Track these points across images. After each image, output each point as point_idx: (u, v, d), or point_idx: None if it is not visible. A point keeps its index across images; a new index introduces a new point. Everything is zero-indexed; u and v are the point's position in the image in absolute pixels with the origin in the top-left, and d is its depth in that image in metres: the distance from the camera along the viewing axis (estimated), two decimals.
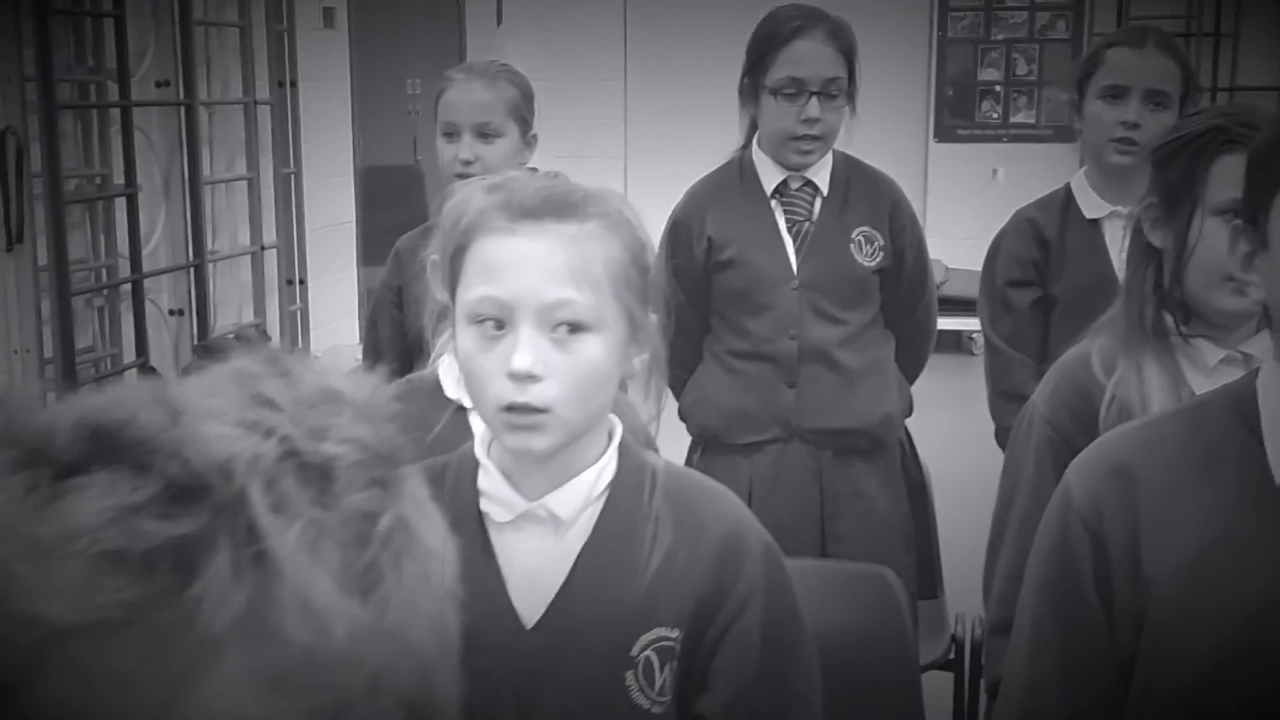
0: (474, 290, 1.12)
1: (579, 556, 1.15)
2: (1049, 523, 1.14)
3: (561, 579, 1.14)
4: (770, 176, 2.40)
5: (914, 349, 2.54)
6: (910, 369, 2.53)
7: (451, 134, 2.32)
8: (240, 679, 0.42)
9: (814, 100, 2.30)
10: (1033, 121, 7.40)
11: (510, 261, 1.11)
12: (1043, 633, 1.13)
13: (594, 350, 1.12)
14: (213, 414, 0.44)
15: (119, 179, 4.66)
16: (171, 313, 5.16)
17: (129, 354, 4.88)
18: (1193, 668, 1.03)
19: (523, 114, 2.32)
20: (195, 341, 5.25)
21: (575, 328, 1.11)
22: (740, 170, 2.44)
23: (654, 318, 1.18)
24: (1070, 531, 1.10)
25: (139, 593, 0.41)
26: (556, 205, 1.12)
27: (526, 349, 1.09)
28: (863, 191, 2.42)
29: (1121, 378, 1.48)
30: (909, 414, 2.54)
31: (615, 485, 1.18)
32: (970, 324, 6.95)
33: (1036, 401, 1.63)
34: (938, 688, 2.44)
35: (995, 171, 7.04)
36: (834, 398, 2.36)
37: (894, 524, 2.45)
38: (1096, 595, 1.08)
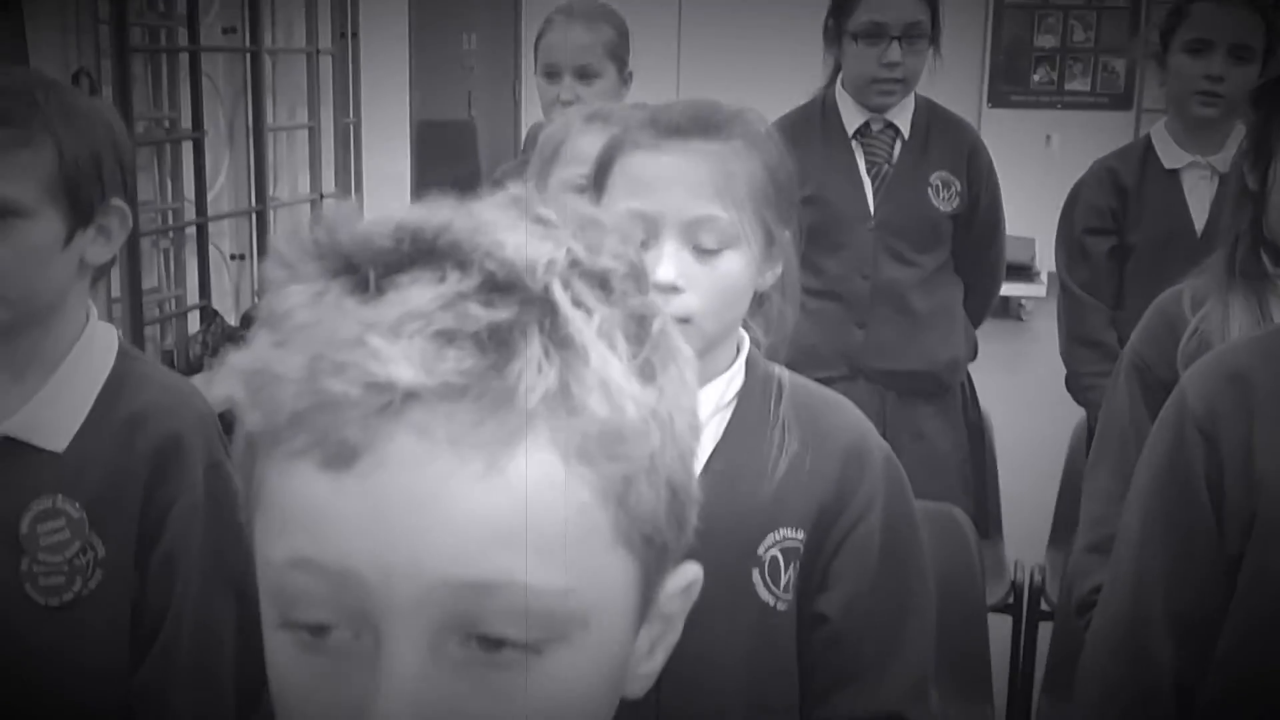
0: (619, 204, 1.15)
1: (709, 460, 1.18)
2: (1162, 427, 1.18)
3: None
4: (852, 117, 2.44)
5: (981, 294, 2.58)
6: (976, 314, 2.58)
7: (552, 75, 2.37)
8: (552, 447, 0.47)
9: (895, 44, 2.33)
10: (1088, 89, 7.36)
11: (656, 177, 1.13)
12: (1152, 533, 1.17)
13: (734, 265, 1.14)
14: (508, 226, 0.49)
15: (186, 123, 4.73)
16: (233, 257, 5.25)
17: (192, 296, 4.97)
18: None
19: (620, 53, 2.37)
20: (255, 286, 5.34)
21: (719, 242, 1.13)
22: (822, 110, 2.48)
23: (788, 233, 1.22)
24: (1184, 435, 1.14)
25: (473, 364, 0.46)
26: (702, 123, 1.15)
27: (670, 262, 1.10)
28: (943, 136, 2.46)
29: (1208, 313, 1.54)
30: (973, 358, 2.58)
31: (743, 394, 1.21)
32: (1020, 290, 6.94)
33: (1131, 336, 1.71)
34: (996, 631, 2.48)
35: (1049, 138, 7.01)
36: (902, 339, 2.41)
37: (953, 466, 2.50)
38: (1208, 496, 1.11)
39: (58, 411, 1.21)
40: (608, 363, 0.49)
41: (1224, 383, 1.13)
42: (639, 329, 0.51)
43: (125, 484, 1.20)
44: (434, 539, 0.47)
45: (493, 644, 0.48)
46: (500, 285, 0.48)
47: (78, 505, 1.19)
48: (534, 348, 0.47)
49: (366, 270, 0.48)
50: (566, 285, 0.49)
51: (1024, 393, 2.84)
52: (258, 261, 5.24)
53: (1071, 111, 7.25)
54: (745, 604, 1.16)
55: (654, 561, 0.53)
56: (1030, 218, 5.05)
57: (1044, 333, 5.86)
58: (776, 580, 1.17)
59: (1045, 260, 6.01)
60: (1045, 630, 2.38)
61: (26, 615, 1.17)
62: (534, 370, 0.47)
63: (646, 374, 0.50)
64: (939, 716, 1.37)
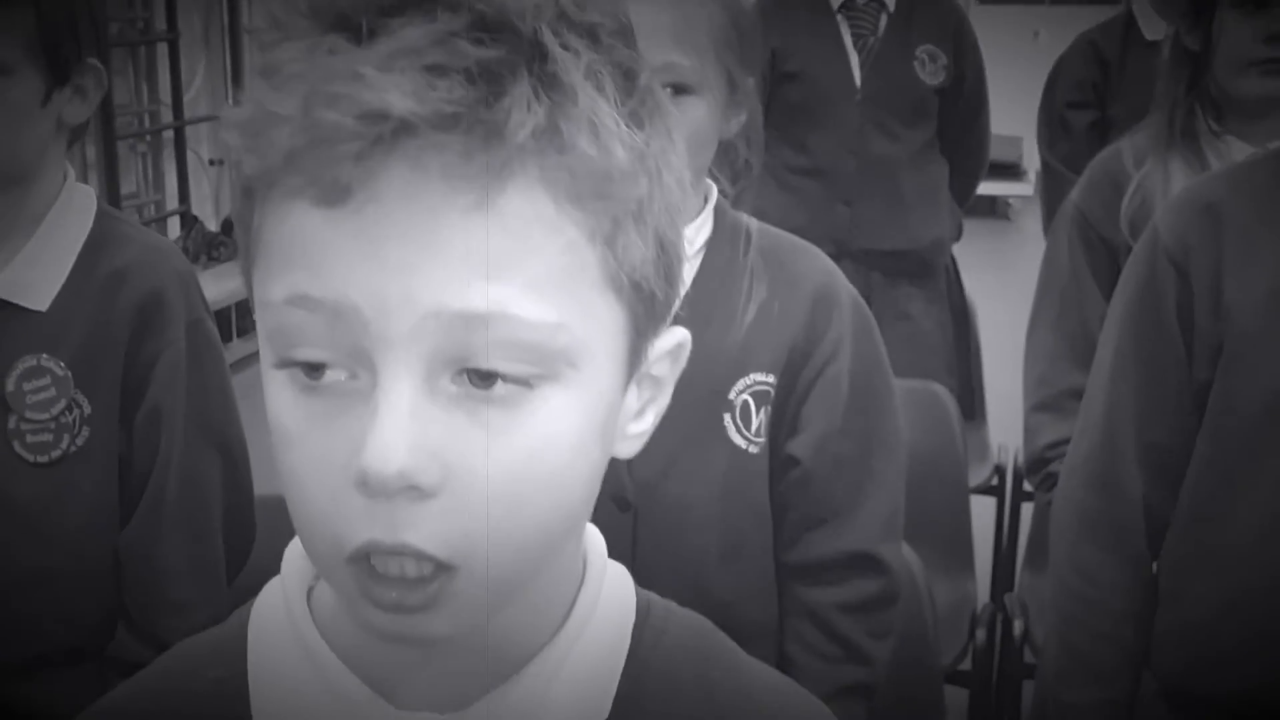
0: None
1: (680, 309, 1.19)
2: (1135, 261, 1.19)
3: None
4: None
5: (966, 174, 2.58)
6: (961, 194, 2.57)
7: None
8: (541, 184, 0.48)
9: None
10: None
11: None
12: (1124, 364, 1.18)
13: (697, 112, 1.13)
14: None
15: (161, 24, 4.65)
16: (211, 162, 5.20)
17: (171, 202, 4.93)
18: (1265, 395, 1.09)
19: None
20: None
21: (679, 90, 1.12)
22: None
23: (751, 81, 1.21)
24: (1156, 267, 1.15)
25: (463, 95, 0.46)
26: None
27: None
28: (928, 9, 2.44)
29: (1149, 172, 1.56)
30: (958, 239, 2.58)
31: (712, 242, 1.21)
32: (1006, 189, 6.93)
33: (1072, 192, 1.72)
34: (980, 510, 2.52)
35: (1037, 34, 6.94)
36: (887, 218, 2.41)
37: (937, 346, 2.52)
38: (1178, 325, 1.13)
39: (39, 271, 1.21)
40: (596, 103, 0.49)
41: (1195, 214, 1.14)
42: (626, 80, 0.52)
43: (108, 341, 1.21)
44: (426, 271, 0.48)
45: (485, 377, 0.49)
46: (490, 25, 0.48)
47: (62, 363, 1.19)
48: (523, 85, 0.48)
49: (359, 19, 0.48)
50: (556, 31, 0.50)
51: (1011, 290, 2.85)
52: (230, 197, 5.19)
53: (1060, 6, 7.17)
54: (718, 447, 1.18)
55: (643, 312, 0.54)
56: (1018, 115, 5.02)
57: (1031, 231, 5.86)
58: (748, 424, 1.19)
59: (1032, 159, 5.98)
60: (1028, 511, 2.41)
61: (15, 473, 1.18)
62: (523, 107, 0.47)
63: (634, 122, 0.51)
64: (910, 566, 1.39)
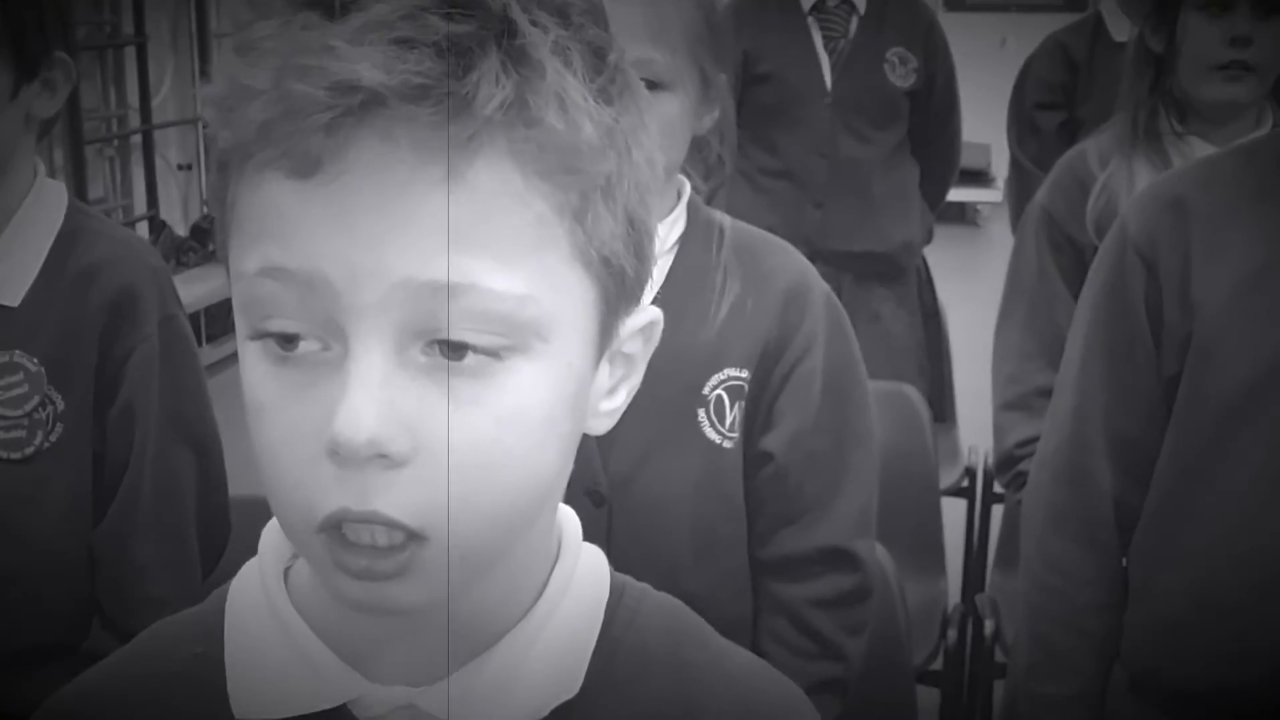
0: None
1: (652, 303, 1.19)
2: (1103, 256, 1.20)
3: None
4: None
5: (937, 177, 2.60)
6: (933, 197, 2.60)
7: None
8: (510, 157, 0.49)
9: None
10: None
11: None
12: (1093, 358, 1.20)
13: (670, 107, 1.14)
14: None
15: (128, 28, 4.62)
16: (180, 167, 5.17)
17: (139, 207, 4.90)
18: (1233, 388, 1.10)
19: None
20: (204, 196, 5.26)
21: (652, 85, 1.11)
22: None
23: (723, 77, 1.22)
24: (1125, 261, 1.16)
25: (432, 67, 0.47)
26: None
27: None
28: (899, 12, 2.47)
29: (1114, 172, 1.58)
30: (928, 241, 2.60)
31: (685, 238, 1.21)
32: (975, 195, 6.98)
33: (1038, 192, 1.73)
34: (950, 514, 2.54)
35: (1004, 41, 7.00)
36: (858, 220, 2.43)
37: (908, 348, 2.53)
38: (1146, 319, 1.14)
39: (9, 266, 1.20)
40: (564, 79, 0.50)
41: (1163, 209, 1.16)
42: (596, 58, 0.53)
43: (81, 337, 1.20)
44: (395, 242, 0.48)
45: (455, 349, 0.49)
46: (460, 1, 0.49)
47: (35, 360, 1.18)
48: (491, 59, 0.48)
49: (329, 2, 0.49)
50: (525, 8, 0.50)
51: (980, 297, 2.87)
52: (204, 172, 5.16)
53: (1026, 14, 7.23)
54: (692, 443, 1.18)
55: (613, 288, 0.55)
56: (986, 122, 5.05)
57: (999, 237, 5.91)
58: (722, 419, 1.19)
59: (1000, 166, 6.03)
60: (998, 512, 2.43)
61: None
62: (491, 80, 0.48)
63: (603, 99, 0.52)
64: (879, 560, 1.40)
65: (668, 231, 1.21)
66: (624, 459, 1.17)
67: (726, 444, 1.19)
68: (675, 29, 1.14)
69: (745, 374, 1.20)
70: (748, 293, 1.20)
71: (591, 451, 1.16)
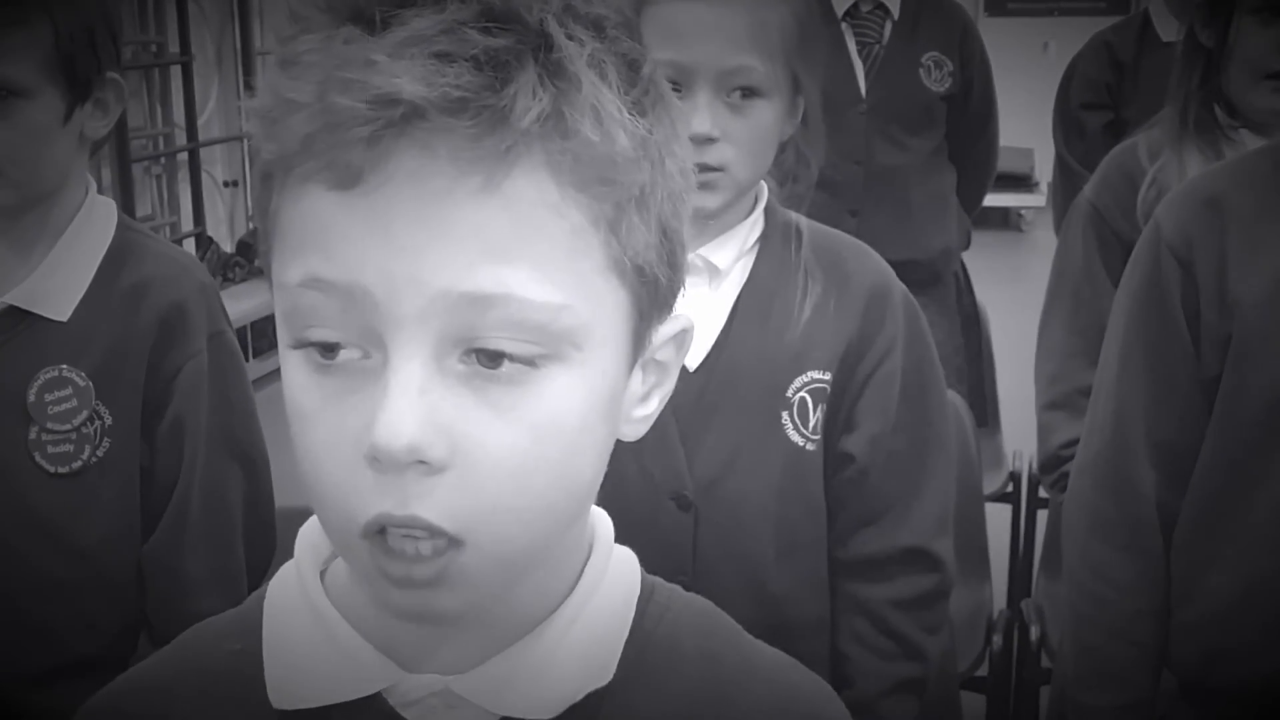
0: (654, 53, 1.13)
1: (735, 304, 1.20)
2: (1139, 257, 1.20)
3: (720, 324, 1.20)
4: None
5: (975, 182, 2.58)
6: (970, 202, 2.57)
7: None
8: (546, 169, 0.50)
9: None
10: None
11: (690, 27, 1.12)
12: (1131, 361, 1.19)
13: (766, 115, 1.15)
14: None
15: (174, 47, 4.69)
16: (226, 184, 5.24)
17: (186, 224, 4.97)
18: (1272, 389, 1.09)
19: None
20: (249, 213, 5.33)
21: (750, 92, 1.13)
22: None
23: (813, 82, 1.22)
24: (1161, 262, 1.15)
25: (471, 81, 0.48)
26: None
27: (705, 113, 1.11)
28: (934, 17, 2.45)
29: (1164, 164, 1.55)
30: (966, 247, 2.59)
31: (764, 240, 1.22)
32: (1019, 200, 6.92)
33: (1085, 188, 1.71)
34: (995, 520, 2.52)
35: (1047, 45, 6.95)
36: (895, 227, 2.41)
37: (947, 354, 2.51)
38: (1184, 320, 1.14)
39: (60, 281, 1.22)
40: (599, 91, 0.51)
41: (1198, 208, 1.14)
42: (630, 71, 0.54)
43: (130, 352, 1.22)
44: (434, 253, 0.49)
45: (492, 357, 0.50)
46: (498, 16, 0.50)
47: (84, 374, 1.20)
48: (529, 72, 0.49)
49: (372, 11, 0.50)
50: (562, 22, 0.52)
51: (1024, 302, 2.85)
52: (250, 189, 5.22)
53: (1069, 18, 7.17)
54: (776, 445, 1.19)
55: (646, 296, 0.55)
56: (1029, 127, 5.01)
57: (1043, 243, 5.85)
58: (805, 421, 1.20)
59: (1044, 170, 5.98)
60: (1043, 517, 2.41)
61: (36, 484, 1.19)
62: (529, 93, 0.49)
63: (638, 111, 0.53)
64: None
65: (747, 233, 1.22)
66: (709, 463, 1.18)
67: (809, 446, 1.20)
68: (774, 37, 1.15)
69: (828, 376, 1.20)
70: (829, 294, 1.20)
71: (677, 456, 1.17)
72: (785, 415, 1.19)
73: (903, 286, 1.26)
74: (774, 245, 1.22)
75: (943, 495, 1.25)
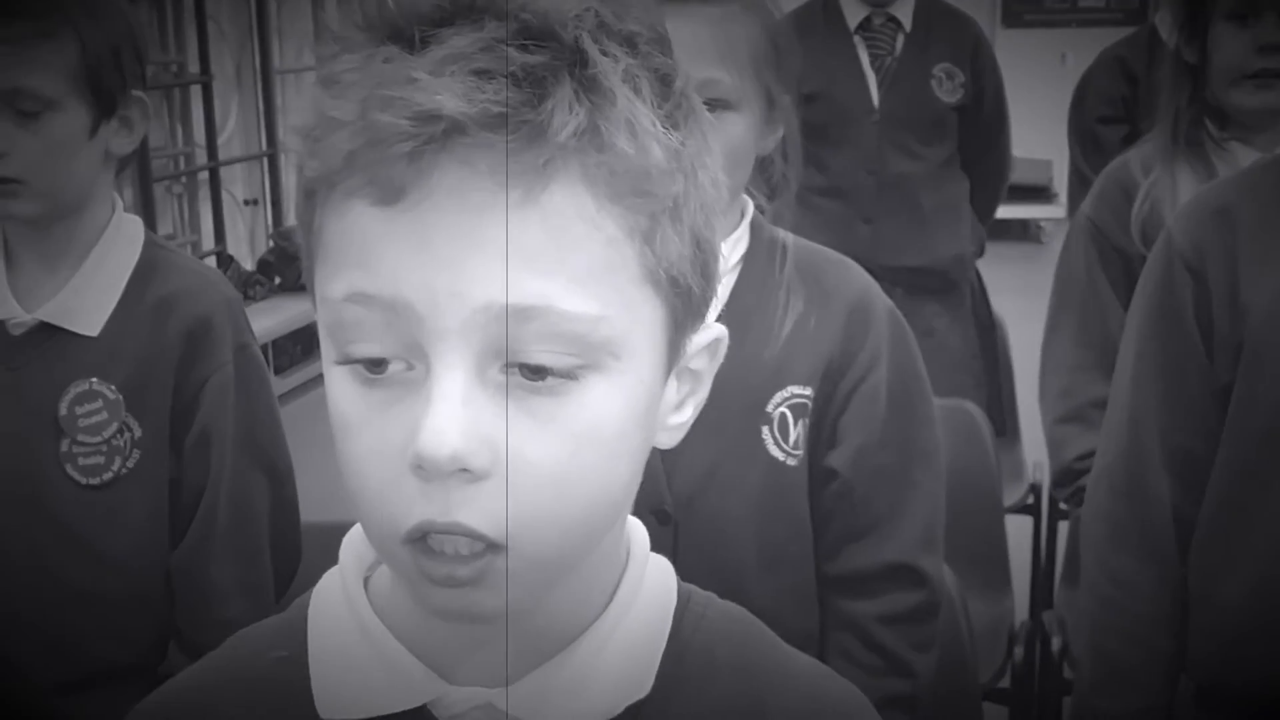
0: None
1: (716, 321, 1.20)
2: (1150, 268, 1.21)
3: None
4: (854, 11, 2.47)
5: (988, 190, 2.60)
6: (984, 210, 2.59)
7: None
8: (583, 182, 0.51)
9: None
10: (1101, 4, 7.28)
11: None
12: (1145, 371, 1.19)
13: (736, 128, 1.15)
14: None
15: (193, 67, 4.74)
16: (246, 202, 5.28)
17: (207, 242, 5.01)
18: None
19: None
20: (269, 231, 5.37)
21: (718, 105, 1.13)
22: (823, 5, 2.50)
23: (788, 97, 1.23)
24: (1172, 272, 1.17)
25: (509, 97, 0.50)
26: None
27: None
28: (945, 28, 2.48)
29: (1157, 179, 1.58)
30: (980, 254, 2.60)
31: (748, 257, 1.22)
32: (1037, 212, 6.92)
33: (1083, 204, 1.72)
34: (1016, 532, 2.51)
35: (1064, 57, 6.95)
36: (908, 236, 2.43)
37: (964, 362, 2.52)
38: (1197, 329, 1.15)
39: (90, 297, 1.25)
40: (633, 106, 0.52)
41: (1208, 218, 1.16)
42: (663, 85, 0.55)
43: (158, 366, 1.24)
44: (475, 266, 0.50)
45: (535, 371, 0.52)
46: (534, 34, 0.51)
47: (113, 387, 1.23)
48: (565, 88, 0.51)
49: (412, 30, 0.52)
50: (596, 38, 0.53)
51: (1043, 313, 2.85)
52: (270, 207, 5.26)
53: (1086, 29, 7.18)
54: (757, 460, 1.19)
55: (680, 306, 0.57)
56: (1046, 139, 5.00)
57: None
58: (786, 437, 1.20)
59: (1062, 182, 5.98)
60: (1064, 529, 2.40)
61: (67, 495, 1.22)
62: (565, 109, 0.50)
63: (670, 124, 0.54)
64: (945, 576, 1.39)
65: (731, 250, 1.22)
66: (689, 477, 1.18)
67: (791, 461, 1.20)
68: (742, 50, 1.16)
69: (809, 391, 1.20)
70: (811, 310, 1.21)
71: (657, 470, 1.17)
72: (765, 430, 1.19)
73: (888, 301, 1.26)
74: (758, 262, 1.22)
75: (930, 510, 1.24)
